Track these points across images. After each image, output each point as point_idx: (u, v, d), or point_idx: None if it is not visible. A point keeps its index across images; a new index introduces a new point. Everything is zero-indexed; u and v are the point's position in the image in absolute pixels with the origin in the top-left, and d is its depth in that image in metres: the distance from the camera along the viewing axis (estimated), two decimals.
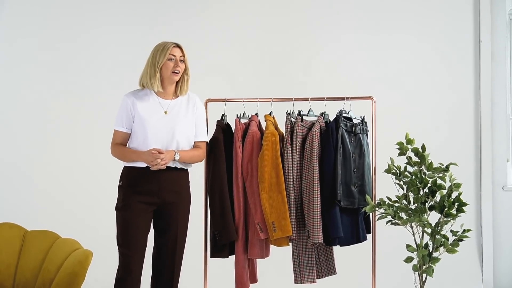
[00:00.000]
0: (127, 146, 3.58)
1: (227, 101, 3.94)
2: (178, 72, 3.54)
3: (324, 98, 3.82)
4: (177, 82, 3.61)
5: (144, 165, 3.48)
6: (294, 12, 5.35)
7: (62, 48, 5.47)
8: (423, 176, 3.54)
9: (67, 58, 5.47)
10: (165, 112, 3.55)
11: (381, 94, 4.50)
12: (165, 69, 3.52)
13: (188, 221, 3.68)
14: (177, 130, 3.56)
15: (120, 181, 3.54)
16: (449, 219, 3.48)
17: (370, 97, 3.82)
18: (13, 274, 3.89)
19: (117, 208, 3.52)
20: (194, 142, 3.67)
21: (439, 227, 3.49)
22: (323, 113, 3.84)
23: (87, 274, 3.63)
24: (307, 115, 3.83)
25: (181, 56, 3.55)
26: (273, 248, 3.85)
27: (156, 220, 3.59)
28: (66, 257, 3.75)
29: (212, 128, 3.87)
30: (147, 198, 3.49)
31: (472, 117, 5.13)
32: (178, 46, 3.57)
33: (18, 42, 5.52)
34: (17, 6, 5.50)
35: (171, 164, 3.52)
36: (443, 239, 3.48)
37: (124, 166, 3.55)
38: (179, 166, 3.58)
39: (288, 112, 3.80)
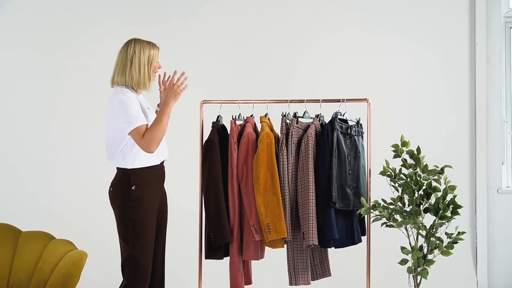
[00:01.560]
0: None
1: (222, 103, 3.94)
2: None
3: (319, 100, 3.83)
4: None
5: (153, 163, 3.43)
6: (290, 13, 5.35)
7: (60, 50, 5.47)
8: (418, 179, 3.55)
9: (64, 60, 5.47)
10: (148, 108, 3.55)
11: (377, 96, 4.51)
12: (154, 70, 3.53)
13: None
14: None
15: (132, 185, 3.38)
16: (443, 221, 3.48)
17: (365, 99, 3.82)
18: (7, 275, 3.88)
19: (133, 214, 3.36)
20: None
21: (434, 230, 3.50)
22: (318, 115, 3.85)
23: (81, 275, 3.63)
24: (302, 117, 3.84)
25: None
26: (268, 250, 3.85)
27: None
28: (60, 258, 3.74)
29: (208, 129, 3.87)
30: (156, 199, 3.48)
31: (467, 120, 5.13)
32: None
33: (16, 43, 5.51)
34: (16, 7, 5.50)
35: (167, 158, 3.59)
36: (437, 242, 3.48)
37: (131, 169, 3.39)
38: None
39: (284, 113, 3.80)
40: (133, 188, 3.38)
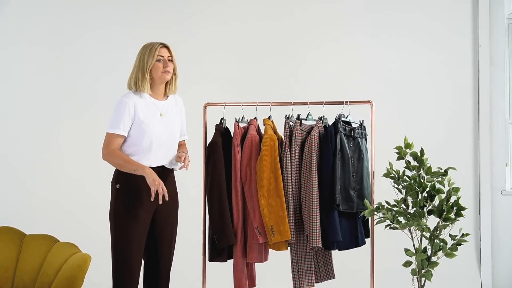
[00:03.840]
0: (121, 150, 3.44)
1: (226, 105, 3.94)
2: (169, 71, 3.50)
3: (323, 102, 3.83)
4: (166, 83, 3.56)
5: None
6: (293, 15, 5.35)
7: (61, 52, 5.48)
8: (422, 180, 3.54)
9: (66, 61, 5.48)
10: (161, 114, 3.52)
11: (380, 98, 4.51)
12: (155, 71, 3.47)
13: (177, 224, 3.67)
14: (174, 132, 3.57)
15: (117, 184, 3.41)
16: (447, 223, 3.48)
17: (369, 101, 3.82)
18: (12, 277, 3.88)
19: (117, 214, 3.39)
20: (179, 141, 3.69)
21: (438, 231, 3.49)
22: (322, 117, 3.85)
23: (86, 278, 3.63)
24: (306, 119, 3.84)
25: (169, 56, 3.52)
26: (271, 252, 3.84)
27: (151, 226, 3.50)
28: (64, 261, 3.74)
29: (211, 132, 3.87)
30: (148, 202, 3.42)
31: (471, 122, 5.13)
32: (165, 46, 3.53)
33: (18, 45, 5.52)
34: (18, 9, 5.51)
35: (169, 166, 3.54)
36: (441, 243, 3.48)
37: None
38: (175, 167, 3.60)
39: (287, 116, 3.80)
40: (117, 186, 3.42)
